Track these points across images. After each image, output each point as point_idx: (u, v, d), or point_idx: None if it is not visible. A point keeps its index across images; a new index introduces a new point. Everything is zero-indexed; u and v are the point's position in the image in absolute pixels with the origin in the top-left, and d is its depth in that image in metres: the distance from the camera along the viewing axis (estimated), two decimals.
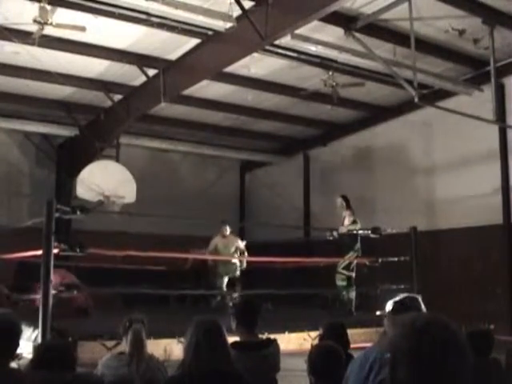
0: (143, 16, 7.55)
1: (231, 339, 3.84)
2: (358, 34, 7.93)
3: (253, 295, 9.91)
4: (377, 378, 2.53)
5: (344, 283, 8.97)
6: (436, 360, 1.28)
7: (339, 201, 9.41)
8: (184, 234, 11.62)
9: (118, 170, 11.42)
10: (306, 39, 7.97)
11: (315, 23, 7.54)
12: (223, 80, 9.95)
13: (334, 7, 6.75)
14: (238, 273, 10.13)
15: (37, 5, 6.81)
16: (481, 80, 9.50)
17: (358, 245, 8.96)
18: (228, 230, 10.19)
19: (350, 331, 4.05)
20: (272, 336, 4.49)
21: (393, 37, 8.40)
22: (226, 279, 10.06)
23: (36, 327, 5.38)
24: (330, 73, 9.29)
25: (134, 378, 3.57)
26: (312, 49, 8.31)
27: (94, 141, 11.30)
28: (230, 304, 8.87)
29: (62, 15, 7.30)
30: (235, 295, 9.55)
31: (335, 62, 8.99)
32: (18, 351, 2.95)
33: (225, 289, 9.98)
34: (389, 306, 3.03)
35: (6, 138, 12.34)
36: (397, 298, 3.04)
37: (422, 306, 3.01)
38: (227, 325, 3.65)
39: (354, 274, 9.01)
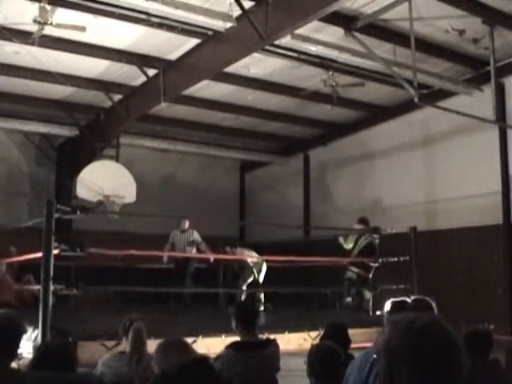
0: (143, 16, 7.55)
1: (232, 339, 3.86)
2: (358, 34, 7.93)
3: (251, 295, 10.01)
4: (377, 378, 2.53)
5: (351, 277, 9.06)
6: (439, 362, 1.26)
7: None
8: None
9: (117, 169, 11.42)
10: (306, 39, 7.97)
11: (315, 23, 7.53)
12: (223, 80, 9.95)
13: (334, 7, 6.75)
14: (261, 275, 10.08)
15: (37, 5, 6.82)
16: (481, 80, 9.50)
17: (357, 249, 9.05)
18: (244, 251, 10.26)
19: (350, 331, 4.06)
20: (272, 336, 4.50)
21: (393, 37, 8.40)
22: (251, 278, 10.06)
23: (36, 327, 5.38)
24: (330, 73, 9.29)
25: (134, 378, 3.57)
26: (312, 49, 8.31)
27: (94, 141, 11.31)
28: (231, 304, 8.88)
29: (62, 15, 7.31)
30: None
31: (335, 61, 8.99)
32: (18, 351, 2.95)
33: (245, 287, 9.98)
34: (387, 305, 3.03)
35: (6, 138, 12.34)
36: (395, 299, 3.03)
37: (435, 310, 2.98)
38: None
39: (370, 275, 9.06)
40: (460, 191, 10.12)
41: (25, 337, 4.59)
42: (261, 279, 10.02)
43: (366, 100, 11.39)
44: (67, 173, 11.93)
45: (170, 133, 12.94)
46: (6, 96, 10.60)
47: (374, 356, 2.48)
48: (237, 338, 3.77)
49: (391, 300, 3.04)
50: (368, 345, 3.72)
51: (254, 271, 9.98)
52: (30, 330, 5.55)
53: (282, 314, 8.63)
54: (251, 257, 10.05)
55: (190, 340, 2.76)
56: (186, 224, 10.15)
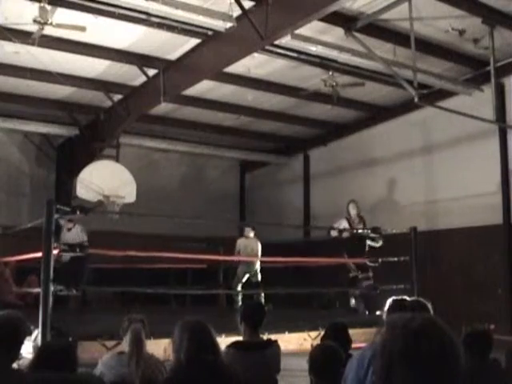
0: (143, 16, 7.55)
1: (232, 339, 3.86)
2: (358, 34, 7.93)
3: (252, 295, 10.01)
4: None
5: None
6: (435, 362, 1.26)
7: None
8: (184, 234, 11.62)
9: (118, 169, 11.42)
10: (306, 39, 7.96)
11: (315, 23, 7.53)
12: (223, 80, 9.95)
13: (334, 7, 6.75)
14: (259, 277, 10.05)
15: (37, 5, 6.82)
16: (481, 80, 9.50)
17: None
18: (250, 233, 10.24)
19: (350, 331, 4.06)
20: (272, 336, 4.50)
21: (393, 37, 8.40)
22: (245, 278, 10.01)
23: (36, 327, 5.38)
24: (330, 73, 9.30)
25: (134, 378, 3.57)
26: (312, 49, 8.30)
27: (94, 141, 11.31)
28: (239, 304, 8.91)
29: (62, 15, 7.32)
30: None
31: (335, 61, 8.98)
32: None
33: (239, 288, 9.96)
34: (387, 305, 3.03)
35: (6, 138, 12.34)
36: (395, 297, 3.03)
37: (431, 311, 2.98)
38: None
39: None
40: (460, 191, 10.12)
41: None
42: (258, 278, 10.01)
43: (366, 100, 11.38)
44: (67, 173, 11.92)
45: (169, 133, 12.95)
46: (5, 96, 10.59)
47: (369, 356, 2.48)
48: (237, 338, 3.77)
49: (391, 299, 3.04)
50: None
51: (249, 270, 9.96)
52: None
53: (282, 313, 8.62)
54: (254, 254, 10.05)
55: None
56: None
